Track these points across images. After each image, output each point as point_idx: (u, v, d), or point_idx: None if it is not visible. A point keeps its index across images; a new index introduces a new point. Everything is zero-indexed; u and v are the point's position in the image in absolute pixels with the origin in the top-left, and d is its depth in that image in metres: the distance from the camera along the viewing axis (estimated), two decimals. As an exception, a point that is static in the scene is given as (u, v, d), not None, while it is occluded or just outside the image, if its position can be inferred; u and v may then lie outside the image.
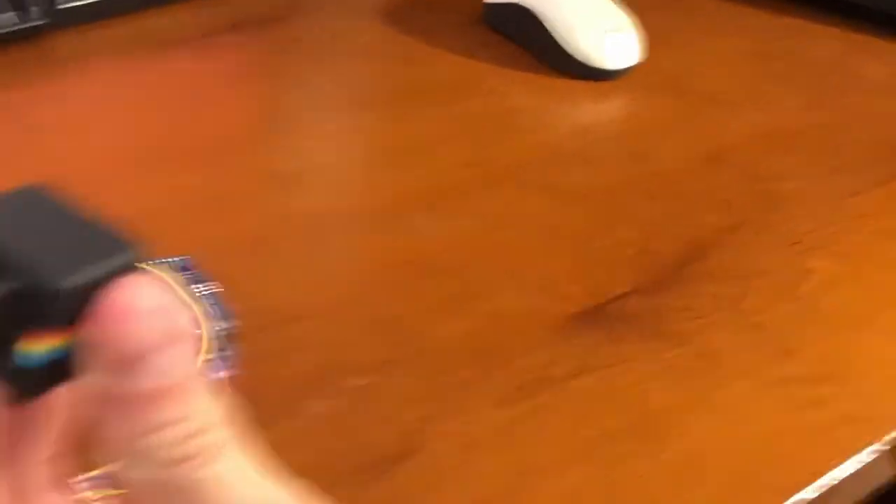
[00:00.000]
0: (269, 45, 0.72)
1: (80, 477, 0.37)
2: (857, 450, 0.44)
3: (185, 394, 0.20)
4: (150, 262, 0.46)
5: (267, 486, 0.22)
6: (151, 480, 0.21)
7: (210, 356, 0.41)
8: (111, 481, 0.36)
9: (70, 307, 0.20)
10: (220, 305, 0.44)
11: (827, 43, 0.77)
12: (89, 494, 0.36)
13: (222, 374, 0.42)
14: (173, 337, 0.20)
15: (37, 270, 0.19)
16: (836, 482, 0.43)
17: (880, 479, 0.46)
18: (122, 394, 0.20)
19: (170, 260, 0.46)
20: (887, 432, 0.45)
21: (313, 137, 0.64)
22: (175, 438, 0.20)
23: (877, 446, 0.44)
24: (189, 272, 0.46)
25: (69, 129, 0.60)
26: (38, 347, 0.20)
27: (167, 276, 0.45)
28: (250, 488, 0.21)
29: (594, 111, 0.69)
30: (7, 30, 0.63)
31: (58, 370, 0.20)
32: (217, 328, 0.42)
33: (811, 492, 0.42)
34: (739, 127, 0.67)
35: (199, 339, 0.42)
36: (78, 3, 0.66)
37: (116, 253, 0.20)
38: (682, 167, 0.62)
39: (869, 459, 0.44)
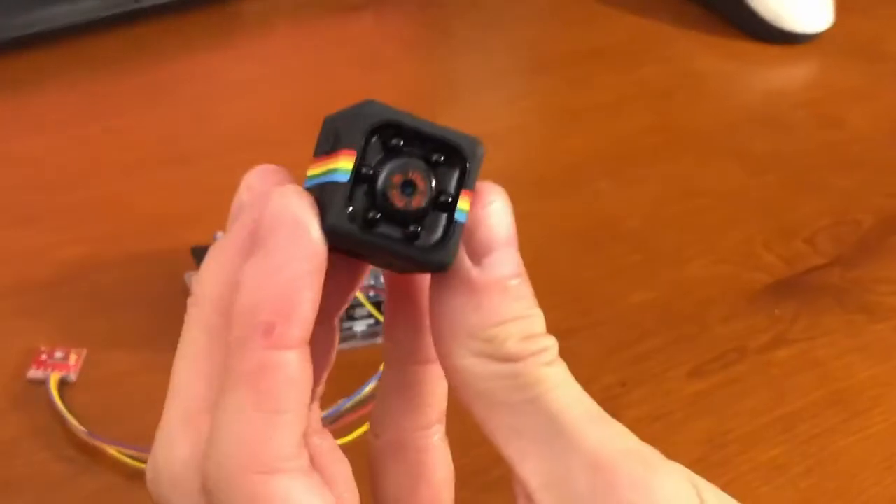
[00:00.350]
0: (447, 9, 0.72)
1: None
2: None
3: (529, 293, 0.22)
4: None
5: (591, 400, 0.22)
6: (492, 373, 0.21)
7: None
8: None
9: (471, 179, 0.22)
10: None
11: None
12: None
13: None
14: (515, 242, 0.22)
15: (451, 138, 0.22)
16: None
17: None
18: (480, 281, 0.21)
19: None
20: None
21: (491, 101, 0.64)
22: (521, 333, 0.21)
23: None
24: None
25: (255, 91, 0.61)
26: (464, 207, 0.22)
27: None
28: (583, 395, 0.22)
29: (784, 76, 0.67)
30: (199, -7, 0.65)
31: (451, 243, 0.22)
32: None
33: None
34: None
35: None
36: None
37: (474, 143, 0.22)
38: (878, 135, 0.60)
39: None
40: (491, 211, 0.22)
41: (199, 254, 0.43)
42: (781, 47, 0.67)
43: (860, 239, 0.51)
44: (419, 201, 0.21)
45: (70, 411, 0.39)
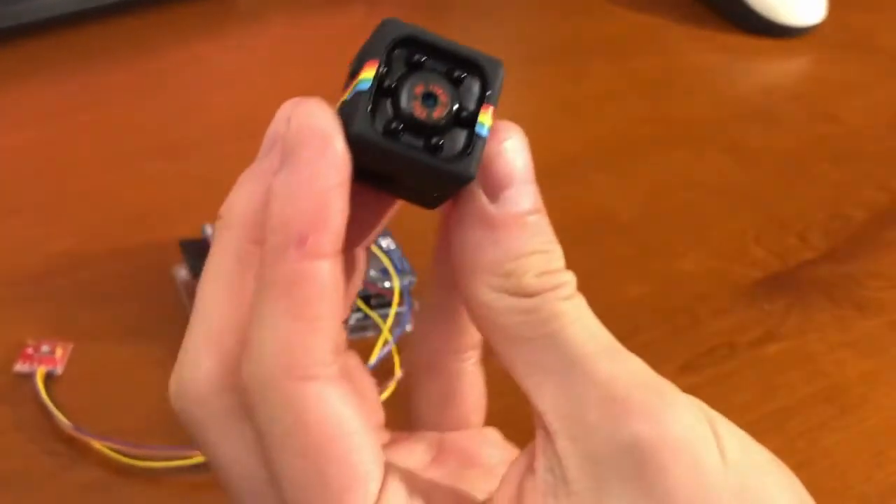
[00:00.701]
0: (440, 0, 0.72)
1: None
2: None
3: (548, 228, 0.23)
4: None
5: (608, 334, 0.22)
6: (510, 307, 0.22)
7: (400, 309, 0.41)
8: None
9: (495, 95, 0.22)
10: (404, 259, 0.44)
11: None
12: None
13: (409, 327, 0.42)
14: (533, 178, 0.23)
15: (472, 56, 0.22)
16: None
17: None
18: (497, 216, 0.22)
19: (353, 212, 0.47)
20: None
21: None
22: (538, 268, 0.22)
23: None
24: (372, 225, 0.46)
25: (248, 81, 0.61)
26: (485, 120, 0.22)
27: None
28: (599, 329, 0.22)
29: (777, 69, 0.66)
30: (190, -17, 0.64)
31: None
32: (403, 282, 0.43)
33: None
34: (933, 87, 0.63)
35: (390, 292, 0.42)
36: (256, -42, 0.67)
37: (496, 63, 0.22)
38: (872, 129, 0.60)
39: None
40: (507, 147, 0.22)
41: (187, 247, 0.43)
42: (775, 40, 0.67)
43: (852, 234, 0.51)
44: (440, 112, 0.22)
45: (56, 405, 0.38)
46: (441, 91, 0.22)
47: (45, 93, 0.57)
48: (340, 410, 0.21)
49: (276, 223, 0.21)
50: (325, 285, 0.21)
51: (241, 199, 0.23)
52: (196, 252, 0.43)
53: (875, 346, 0.45)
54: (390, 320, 0.41)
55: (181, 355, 0.23)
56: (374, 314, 0.42)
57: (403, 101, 0.22)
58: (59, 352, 0.41)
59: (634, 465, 0.21)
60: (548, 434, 0.22)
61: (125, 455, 0.37)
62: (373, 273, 0.43)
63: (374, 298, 0.42)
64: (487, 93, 0.22)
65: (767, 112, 0.61)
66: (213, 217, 0.45)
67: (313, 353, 0.21)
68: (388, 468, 0.22)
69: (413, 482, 0.23)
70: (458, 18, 0.70)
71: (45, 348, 0.41)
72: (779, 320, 0.46)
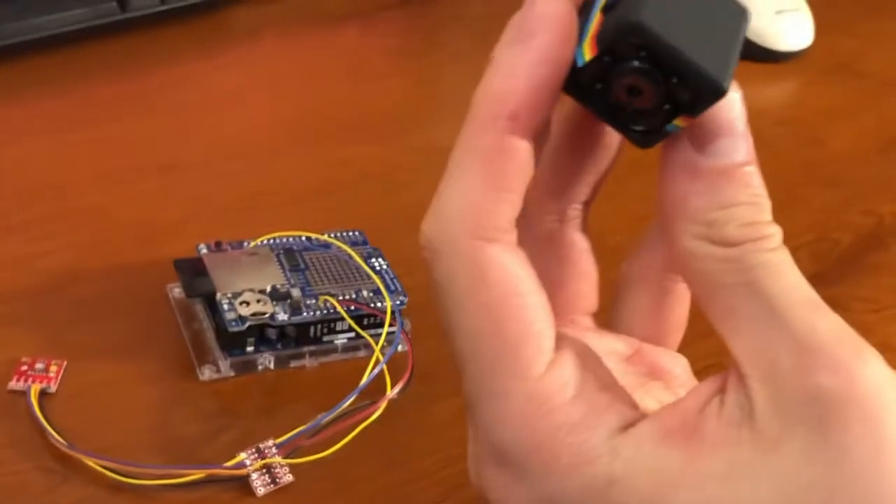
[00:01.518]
0: (435, 20, 0.72)
1: (270, 442, 0.38)
2: None
3: (758, 181, 0.23)
4: (328, 235, 0.46)
5: (810, 289, 0.23)
6: (711, 255, 0.23)
7: (392, 329, 0.42)
8: (286, 451, 0.37)
9: None
10: (396, 279, 0.45)
11: None
12: (278, 459, 0.37)
13: (400, 347, 0.42)
14: (746, 129, 0.23)
15: (693, 73, 0.22)
16: None
17: None
18: (703, 166, 0.23)
19: (346, 233, 0.47)
20: None
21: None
22: (742, 219, 0.23)
23: None
24: (365, 246, 0.47)
25: (242, 101, 0.61)
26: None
27: (346, 248, 0.45)
28: (801, 282, 0.23)
29: (764, 94, 0.67)
30: (185, 3, 0.65)
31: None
32: (395, 302, 0.43)
33: None
34: (918, 113, 0.64)
35: (382, 312, 0.42)
36: (251, -22, 0.68)
37: (718, 89, 0.22)
38: (859, 154, 0.60)
39: None
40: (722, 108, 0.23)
41: (181, 266, 0.43)
42: (762, 65, 0.67)
43: (838, 257, 0.52)
44: (641, 104, 0.23)
45: (50, 423, 0.39)
46: (650, 91, 0.23)
47: (39, 110, 0.58)
48: (518, 272, 0.23)
49: (493, 93, 0.23)
50: (525, 162, 0.23)
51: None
52: (190, 270, 0.43)
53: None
54: (382, 340, 0.42)
55: (441, 194, 0.24)
56: (365, 334, 0.43)
57: (611, 82, 0.23)
58: (53, 369, 0.41)
59: (818, 416, 0.21)
60: (740, 375, 0.22)
61: (118, 473, 0.37)
62: (364, 293, 0.43)
63: (366, 318, 0.43)
64: (691, 105, 0.23)
65: (755, 136, 0.61)
66: (206, 236, 0.46)
67: (499, 220, 0.23)
68: (571, 341, 0.24)
69: (589, 360, 0.24)
70: (451, 39, 0.71)
71: (39, 366, 0.41)
72: (765, 343, 0.46)
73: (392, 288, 0.44)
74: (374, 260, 0.45)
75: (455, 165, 0.24)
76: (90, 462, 0.37)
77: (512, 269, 0.23)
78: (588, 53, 0.23)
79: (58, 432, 0.38)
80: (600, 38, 0.22)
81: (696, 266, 0.23)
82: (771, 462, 0.21)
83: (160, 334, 0.43)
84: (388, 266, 0.45)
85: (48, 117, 0.57)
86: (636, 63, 0.22)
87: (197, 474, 0.37)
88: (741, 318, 0.22)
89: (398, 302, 0.43)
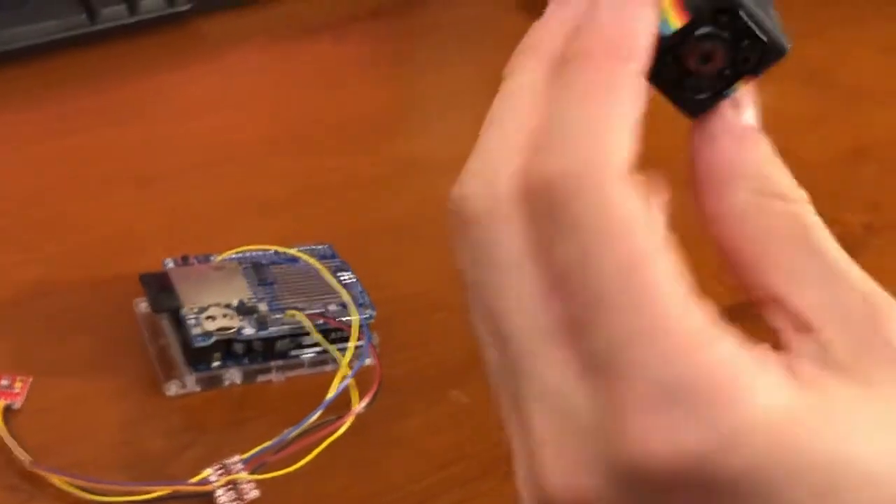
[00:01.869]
0: (409, 31, 0.72)
1: (236, 458, 0.38)
2: None
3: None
4: (296, 250, 0.46)
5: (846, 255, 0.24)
6: (768, 208, 0.24)
7: (359, 343, 0.42)
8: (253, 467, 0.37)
9: None
10: (364, 293, 0.45)
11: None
12: (244, 475, 0.38)
13: (368, 361, 0.42)
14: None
15: (762, 34, 0.24)
16: None
17: None
18: (752, 126, 0.25)
19: (314, 247, 0.47)
20: None
21: (453, 124, 0.64)
22: (782, 176, 0.24)
23: None
24: (333, 259, 0.47)
25: (214, 112, 0.61)
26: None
27: (314, 262, 0.45)
28: (833, 245, 0.24)
29: (735, 103, 0.67)
30: (156, 14, 0.65)
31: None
32: (362, 316, 0.43)
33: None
34: (887, 122, 0.65)
35: (350, 326, 0.42)
36: (223, -12, 0.68)
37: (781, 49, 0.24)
38: (827, 163, 0.61)
39: None
40: None
41: (147, 281, 0.43)
42: (734, 74, 0.68)
43: (806, 268, 0.52)
44: (708, 70, 0.24)
45: (15, 439, 0.39)
46: (720, 57, 0.23)
47: (10, 121, 0.58)
48: (652, 215, 0.23)
49: (607, 32, 0.23)
50: (641, 95, 0.23)
51: (554, 27, 0.24)
52: (156, 285, 0.43)
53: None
54: (349, 354, 0.42)
55: (472, 163, 0.24)
56: (332, 348, 0.43)
57: (683, 49, 0.24)
58: (18, 385, 0.41)
59: None
60: (805, 331, 0.23)
61: (84, 490, 0.37)
62: (332, 307, 0.43)
63: (333, 332, 0.43)
64: (755, 65, 0.24)
65: (725, 146, 0.62)
66: (176, 249, 0.46)
67: (620, 154, 0.22)
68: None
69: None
70: (427, 50, 0.71)
71: (3, 382, 0.41)
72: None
73: (360, 301, 0.44)
74: (341, 273, 0.45)
75: (568, 108, 0.23)
76: (56, 479, 0.37)
77: (637, 203, 0.23)
78: (677, 21, 0.23)
79: (23, 449, 0.38)
80: (689, 5, 0.23)
81: (757, 223, 0.24)
82: (871, 397, 0.22)
83: (127, 349, 0.43)
84: (356, 279, 0.45)
85: (19, 129, 0.57)
86: (714, 29, 0.23)
87: (162, 490, 0.37)
88: (803, 273, 0.23)
89: (366, 315, 0.43)
